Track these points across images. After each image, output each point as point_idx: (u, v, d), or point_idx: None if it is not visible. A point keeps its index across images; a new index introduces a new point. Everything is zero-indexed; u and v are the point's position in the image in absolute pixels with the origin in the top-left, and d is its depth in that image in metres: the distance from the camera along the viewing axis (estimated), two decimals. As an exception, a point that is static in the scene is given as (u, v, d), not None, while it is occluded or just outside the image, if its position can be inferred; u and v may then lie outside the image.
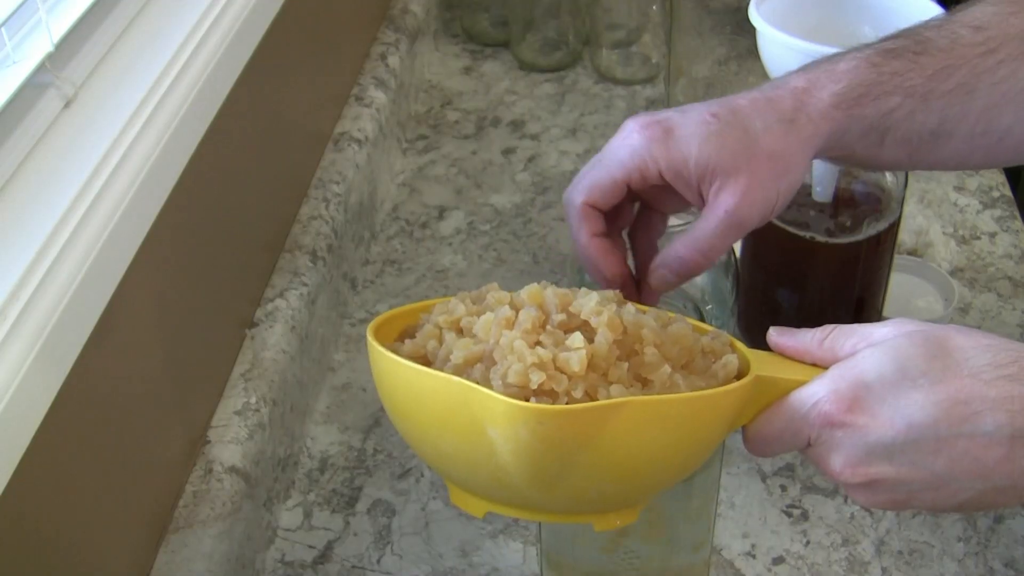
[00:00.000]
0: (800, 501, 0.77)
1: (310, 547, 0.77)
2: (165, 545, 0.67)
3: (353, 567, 0.75)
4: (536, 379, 0.47)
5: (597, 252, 0.59)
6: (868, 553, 0.74)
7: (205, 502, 0.69)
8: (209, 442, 0.72)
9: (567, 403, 0.47)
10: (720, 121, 0.57)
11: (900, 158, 0.63)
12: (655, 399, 0.48)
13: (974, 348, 0.50)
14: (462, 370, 0.49)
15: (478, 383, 0.48)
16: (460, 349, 0.50)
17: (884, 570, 0.73)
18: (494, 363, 0.49)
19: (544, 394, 0.47)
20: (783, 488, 0.78)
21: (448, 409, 0.49)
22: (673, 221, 0.65)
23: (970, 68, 0.60)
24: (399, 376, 0.51)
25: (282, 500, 0.79)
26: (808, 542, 0.75)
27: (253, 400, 0.75)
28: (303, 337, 0.83)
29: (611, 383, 0.49)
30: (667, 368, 0.50)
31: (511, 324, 0.50)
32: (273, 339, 0.80)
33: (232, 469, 0.71)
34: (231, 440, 0.72)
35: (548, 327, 0.50)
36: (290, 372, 0.80)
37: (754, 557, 0.74)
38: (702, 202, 0.58)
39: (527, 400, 0.47)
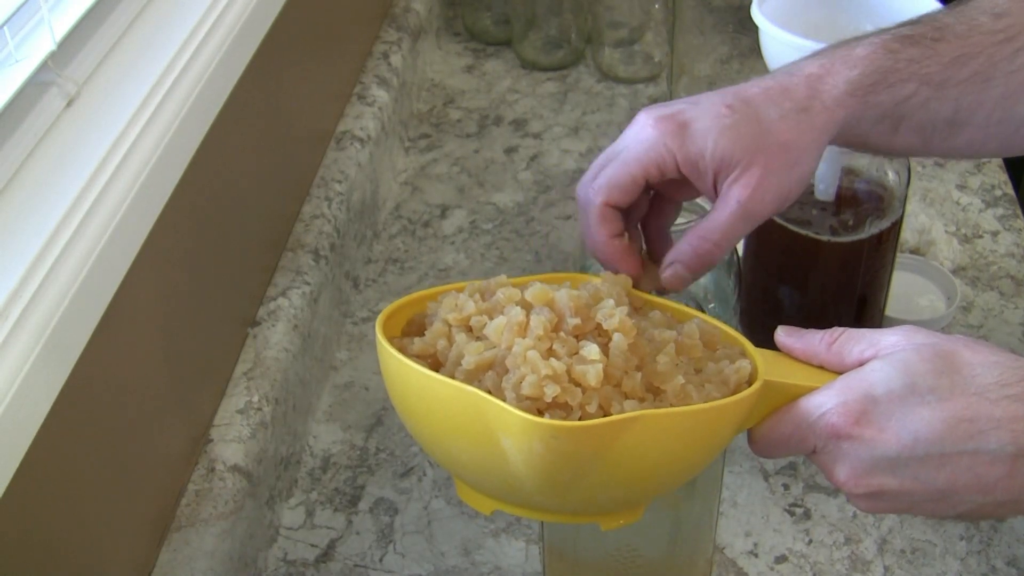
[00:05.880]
0: (803, 500, 0.77)
1: (312, 546, 0.77)
2: (167, 543, 0.67)
3: (355, 566, 0.75)
4: (551, 392, 0.47)
5: (616, 254, 0.58)
6: (870, 552, 0.74)
7: (207, 500, 0.69)
8: (211, 440, 0.72)
9: (581, 416, 0.47)
10: (735, 113, 0.57)
11: (914, 145, 0.62)
12: (667, 412, 0.48)
13: (982, 365, 0.50)
14: (474, 376, 0.49)
15: (490, 391, 0.48)
16: (472, 354, 0.49)
17: (887, 569, 0.73)
18: (506, 370, 0.48)
19: (558, 406, 0.47)
20: (786, 487, 0.78)
21: (460, 416, 0.48)
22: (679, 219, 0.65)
23: (987, 57, 0.60)
24: (410, 379, 0.50)
25: (284, 499, 0.79)
26: (810, 541, 0.75)
27: (255, 399, 0.75)
28: (305, 336, 0.83)
29: (625, 396, 0.49)
30: (680, 379, 0.50)
31: (524, 329, 0.49)
32: (275, 338, 0.80)
33: (234, 468, 0.71)
34: (233, 439, 0.72)
35: (561, 332, 0.50)
36: (292, 371, 0.80)
37: (756, 556, 0.74)
38: (715, 195, 0.57)
39: (540, 411, 0.47)
